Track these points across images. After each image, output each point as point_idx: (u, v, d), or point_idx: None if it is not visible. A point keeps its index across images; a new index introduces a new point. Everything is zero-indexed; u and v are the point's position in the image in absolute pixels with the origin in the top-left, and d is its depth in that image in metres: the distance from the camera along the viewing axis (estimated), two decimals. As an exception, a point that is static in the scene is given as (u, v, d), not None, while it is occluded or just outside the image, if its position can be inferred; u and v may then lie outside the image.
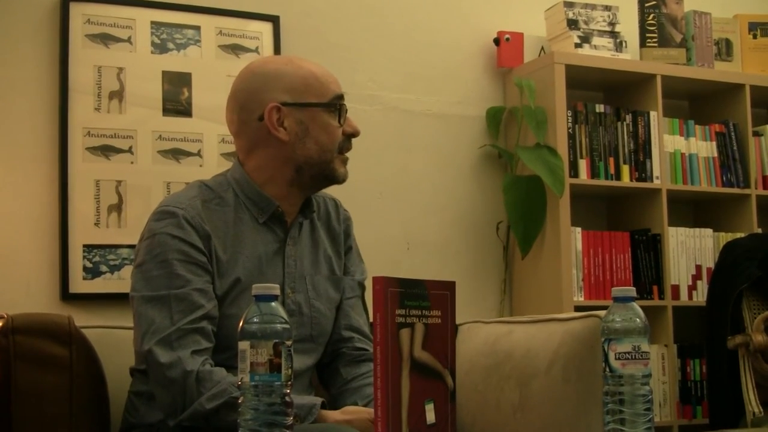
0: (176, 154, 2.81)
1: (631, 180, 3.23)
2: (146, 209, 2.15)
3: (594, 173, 3.18)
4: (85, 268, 2.67)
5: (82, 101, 2.71)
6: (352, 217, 2.05)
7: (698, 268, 3.30)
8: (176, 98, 2.83)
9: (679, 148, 3.34)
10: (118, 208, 2.73)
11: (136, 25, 2.81)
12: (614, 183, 3.22)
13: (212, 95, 2.82)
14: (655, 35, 3.37)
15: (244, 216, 1.84)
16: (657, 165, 3.26)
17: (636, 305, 1.36)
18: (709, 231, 3.35)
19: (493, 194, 3.24)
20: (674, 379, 3.20)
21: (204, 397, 1.66)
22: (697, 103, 3.60)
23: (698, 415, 3.20)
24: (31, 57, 2.70)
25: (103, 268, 2.69)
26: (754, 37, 3.55)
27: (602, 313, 1.55)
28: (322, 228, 1.96)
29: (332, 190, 2.06)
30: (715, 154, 3.40)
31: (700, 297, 3.24)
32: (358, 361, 1.94)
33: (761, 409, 2.66)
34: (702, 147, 3.38)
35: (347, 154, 1.89)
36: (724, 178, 3.40)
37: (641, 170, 3.25)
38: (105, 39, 2.77)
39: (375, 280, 1.32)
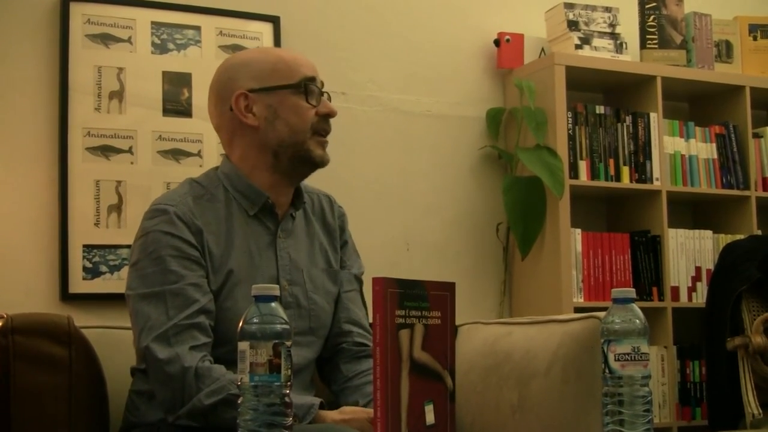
0: (176, 154, 2.82)
1: (630, 181, 3.23)
2: (146, 210, 2.15)
3: (594, 174, 3.18)
4: (84, 269, 2.67)
5: (82, 101, 2.71)
6: (348, 215, 2.05)
7: (698, 269, 3.30)
8: (176, 98, 2.83)
9: (679, 150, 3.34)
10: (117, 208, 2.73)
11: (136, 25, 2.81)
12: (614, 184, 3.22)
13: (212, 95, 2.82)
14: (656, 37, 3.37)
15: (234, 210, 1.85)
16: (657, 166, 3.26)
17: (635, 306, 1.36)
18: (708, 232, 3.35)
19: (492, 195, 3.24)
20: (673, 381, 3.19)
21: (203, 393, 1.66)
22: (697, 104, 3.60)
23: (697, 416, 3.21)
24: (31, 57, 2.70)
25: (103, 268, 2.69)
26: (754, 38, 3.54)
27: (602, 314, 1.54)
28: (317, 222, 1.97)
29: (331, 189, 2.06)
30: (715, 156, 3.40)
31: (700, 298, 3.23)
32: (359, 357, 1.95)
33: (760, 411, 2.66)
34: (702, 148, 3.38)
35: (328, 138, 1.89)
36: (724, 180, 3.40)
37: (641, 172, 3.25)
38: (105, 39, 2.77)
39: (375, 280, 1.32)
